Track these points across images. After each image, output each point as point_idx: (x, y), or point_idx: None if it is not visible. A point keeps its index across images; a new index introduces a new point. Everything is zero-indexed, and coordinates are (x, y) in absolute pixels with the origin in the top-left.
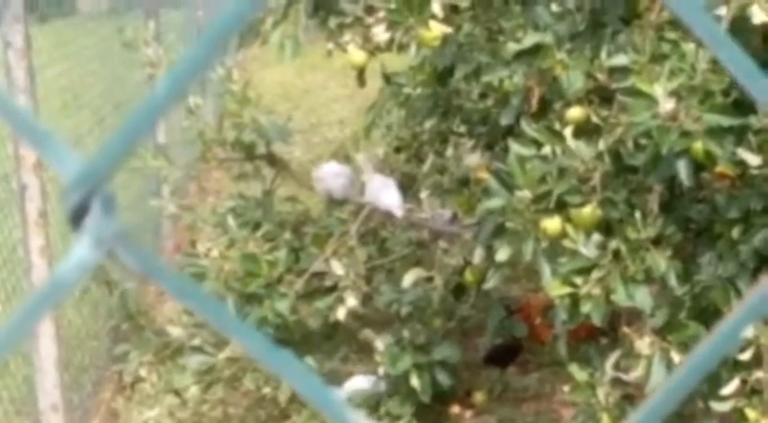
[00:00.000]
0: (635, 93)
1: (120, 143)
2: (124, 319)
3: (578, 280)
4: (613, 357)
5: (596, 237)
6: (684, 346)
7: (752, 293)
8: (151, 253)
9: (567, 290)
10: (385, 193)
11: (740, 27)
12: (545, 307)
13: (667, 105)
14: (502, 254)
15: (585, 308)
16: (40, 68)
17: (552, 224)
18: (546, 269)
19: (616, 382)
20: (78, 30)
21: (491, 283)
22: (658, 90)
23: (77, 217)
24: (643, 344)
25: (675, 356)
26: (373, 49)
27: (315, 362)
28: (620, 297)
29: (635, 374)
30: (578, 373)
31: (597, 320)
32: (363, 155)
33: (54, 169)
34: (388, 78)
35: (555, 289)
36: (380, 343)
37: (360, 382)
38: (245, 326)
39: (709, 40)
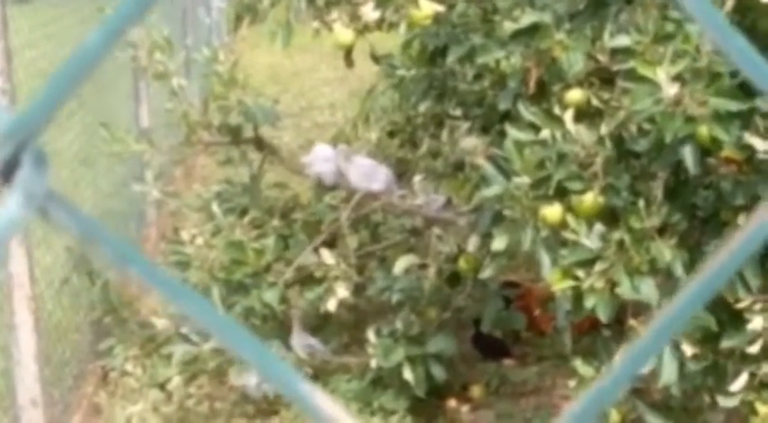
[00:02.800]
0: (636, 78)
1: (51, 95)
2: (107, 312)
3: (581, 273)
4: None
5: (599, 227)
6: (695, 338)
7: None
8: (86, 214)
9: (570, 283)
10: (375, 176)
11: (748, 6)
12: (545, 298)
13: (671, 90)
14: (499, 243)
15: (589, 302)
16: (19, 50)
17: (552, 212)
18: (545, 259)
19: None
20: (59, 10)
21: (487, 272)
22: (661, 75)
23: (8, 172)
24: None
25: (687, 349)
26: (362, 29)
27: (304, 353)
28: (624, 290)
29: (645, 369)
30: (582, 367)
31: (603, 316)
32: (357, 141)
33: None
34: (377, 59)
35: (557, 282)
36: (372, 334)
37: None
38: (193, 293)
39: (712, 30)
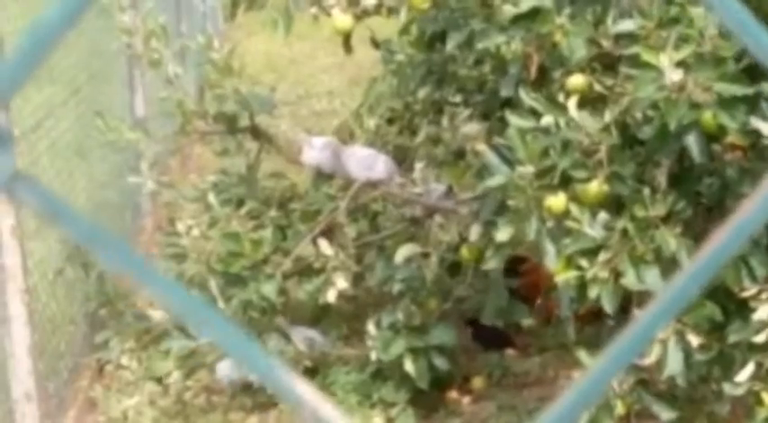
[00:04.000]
0: (639, 64)
1: (17, 71)
2: (102, 304)
3: (584, 262)
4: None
5: (603, 216)
6: (701, 328)
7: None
8: (54, 193)
9: (573, 273)
10: (375, 165)
11: None
12: (552, 282)
13: (674, 76)
14: (503, 233)
15: (593, 292)
16: (9, 37)
17: (557, 202)
18: (550, 249)
19: (629, 367)
20: None
21: (491, 264)
22: (664, 61)
23: None
24: None
25: (693, 339)
26: (360, 14)
27: (304, 346)
28: (629, 281)
29: (650, 360)
30: (587, 358)
31: (607, 306)
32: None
33: None
34: (376, 44)
35: (560, 272)
36: (372, 326)
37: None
38: (163, 278)
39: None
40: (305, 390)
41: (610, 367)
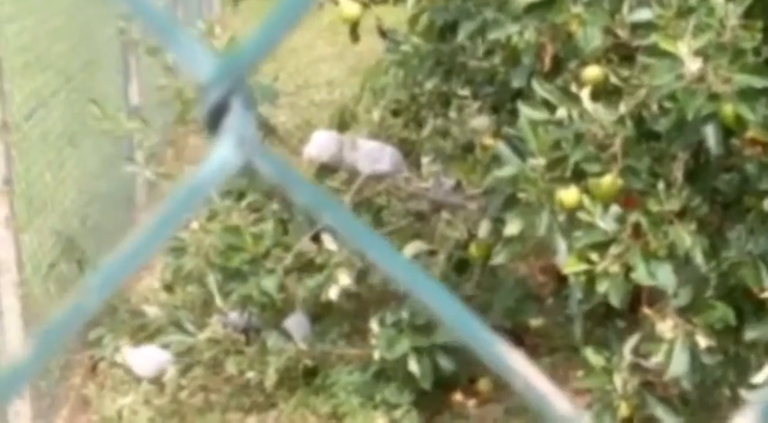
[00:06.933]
0: (657, 52)
1: (267, 37)
2: None
3: (594, 256)
4: (632, 341)
5: (615, 209)
6: (711, 329)
7: None
8: (288, 162)
9: (583, 266)
10: (381, 158)
11: None
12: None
13: (693, 66)
14: (512, 227)
15: (602, 287)
16: (1, 24)
17: (569, 195)
18: (561, 245)
19: (635, 367)
20: None
21: (499, 258)
22: (683, 49)
23: (216, 117)
24: (665, 326)
25: (701, 340)
26: (368, 1)
27: (305, 344)
28: (640, 275)
29: (656, 360)
30: (593, 357)
31: (615, 301)
32: (362, 116)
33: (187, 69)
34: (383, 33)
35: (570, 265)
36: (375, 324)
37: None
38: (388, 246)
39: None
40: (518, 361)
41: None
